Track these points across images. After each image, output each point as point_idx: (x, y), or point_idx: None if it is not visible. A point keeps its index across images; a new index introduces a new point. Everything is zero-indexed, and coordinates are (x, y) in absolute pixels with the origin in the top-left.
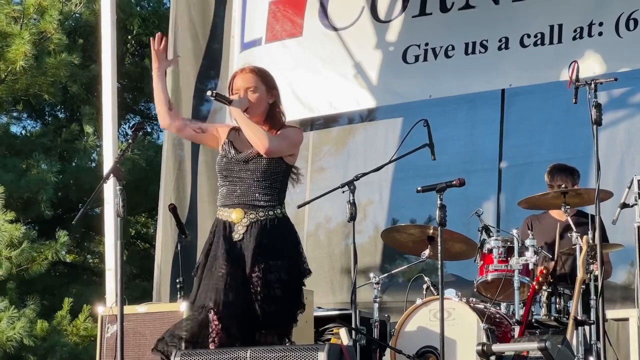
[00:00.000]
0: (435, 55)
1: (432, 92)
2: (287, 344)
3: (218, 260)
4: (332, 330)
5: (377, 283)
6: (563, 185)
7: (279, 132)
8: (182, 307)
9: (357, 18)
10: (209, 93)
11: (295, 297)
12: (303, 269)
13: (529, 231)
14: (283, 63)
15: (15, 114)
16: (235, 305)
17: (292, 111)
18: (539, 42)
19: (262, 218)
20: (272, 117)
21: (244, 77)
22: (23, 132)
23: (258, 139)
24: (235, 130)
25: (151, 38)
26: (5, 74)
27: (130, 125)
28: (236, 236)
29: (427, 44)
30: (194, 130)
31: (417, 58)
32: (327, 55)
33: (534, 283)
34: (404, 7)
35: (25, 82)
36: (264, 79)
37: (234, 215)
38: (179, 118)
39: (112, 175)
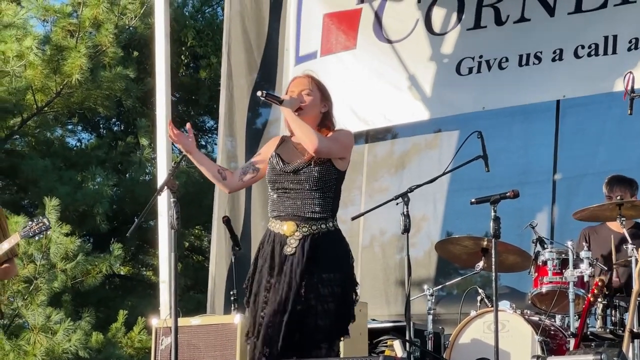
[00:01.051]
0: (489, 67)
1: (486, 103)
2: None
3: (269, 279)
4: (386, 343)
5: (431, 295)
6: (619, 197)
7: (329, 135)
8: (235, 319)
9: (411, 30)
10: (259, 93)
11: (348, 310)
12: (355, 282)
13: (584, 243)
14: (338, 76)
15: (70, 127)
16: (285, 333)
17: (347, 124)
18: (593, 52)
19: (314, 231)
20: (323, 126)
21: (300, 81)
22: (78, 144)
23: (307, 137)
24: (284, 141)
25: (169, 131)
26: (61, 87)
27: None
28: (289, 249)
29: (481, 56)
30: (251, 175)
31: (470, 70)
32: (381, 68)
33: (589, 295)
34: (459, 20)
35: (80, 96)
36: (320, 87)
37: (286, 227)
38: (235, 177)
39: (166, 187)
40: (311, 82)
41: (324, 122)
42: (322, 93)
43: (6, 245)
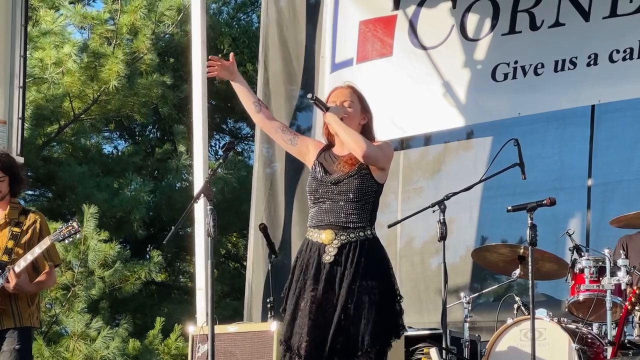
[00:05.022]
0: (525, 73)
1: (521, 109)
2: None
3: (306, 288)
4: (422, 350)
5: (468, 302)
6: None
7: (374, 143)
8: (272, 326)
9: (446, 37)
10: (309, 96)
11: (388, 318)
12: (395, 291)
13: (621, 251)
14: (374, 83)
15: (107, 134)
16: (323, 342)
17: (384, 131)
18: (627, 57)
19: (353, 239)
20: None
21: (342, 91)
22: (115, 151)
23: (355, 142)
24: (325, 150)
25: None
26: (98, 94)
27: (221, 145)
28: (327, 257)
29: (516, 62)
30: (284, 140)
31: (506, 76)
32: (417, 75)
33: (627, 303)
34: (493, 26)
35: (117, 103)
36: (360, 99)
37: (324, 236)
38: (270, 121)
39: (202, 195)
40: (352, 94)
41: (364, 134)
42: (362, 105)
43: (37, 250)
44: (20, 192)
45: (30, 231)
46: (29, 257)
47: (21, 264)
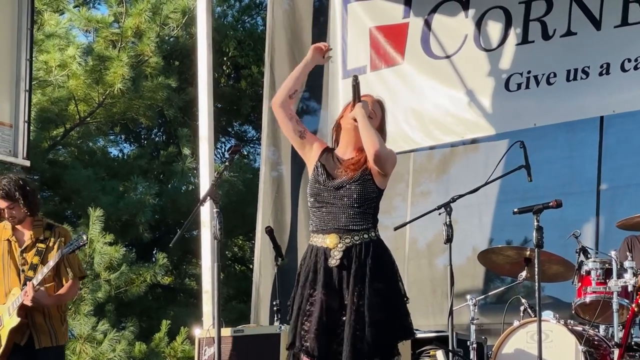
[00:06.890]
0: (537, 83)
1: (536, 120)
2: None
3: (314, 292)
4: (429, 353)
5: (475, 305)
6: None
7: None
8: (278, 329)
9: (460, 46)
10: (353, 77)
11: (397, 320)
12: (402, 292)
13: (628, 253)
14: (387, 93)
15: (112, 137)
16: (333, 345)
17: (398, 141)
18: (639, 65)
19: (357, 242)
20: None
21: (369, 99)
22: (120, 154)
23: (372, 139)
24: (328, 152)
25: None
26: (104, 97)
27: (227, 148)
28: (333, 261)
29: (529, 72)
30: (293, 129)
31: (519, 86)
32: (431, 84)
33: (634, 305)
34: (507, 36)
35: (122, 106)
36: (382, 115)
37: (329, 241)
38: (288, 109)
39: (208, 197)
40: (377, 107)
41: None
42: (380, 123)
43: (51, 263)
44: (37, 211)
45: (55, 246)
46: (45, 270)
47: (38, 278)
